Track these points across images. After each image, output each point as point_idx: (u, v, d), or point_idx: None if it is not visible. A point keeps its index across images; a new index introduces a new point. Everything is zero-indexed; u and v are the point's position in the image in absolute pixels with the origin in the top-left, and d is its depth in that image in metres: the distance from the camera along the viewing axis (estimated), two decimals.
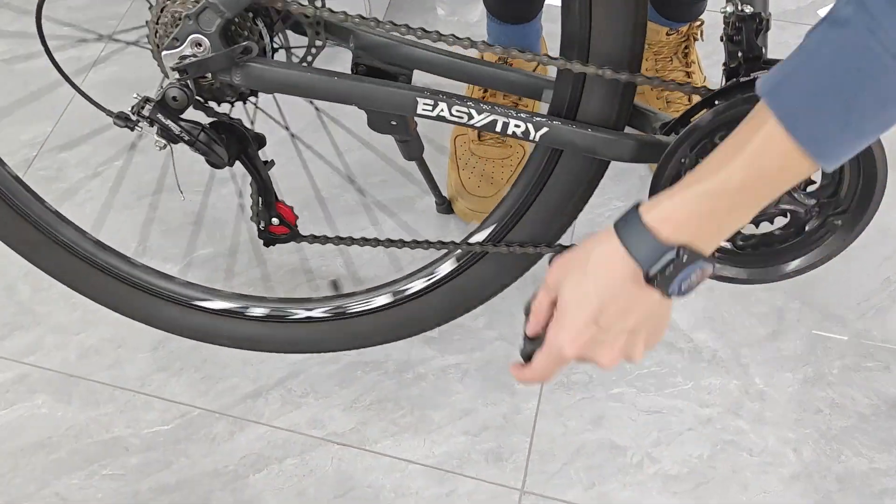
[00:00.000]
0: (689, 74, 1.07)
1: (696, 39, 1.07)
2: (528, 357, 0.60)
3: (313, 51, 0.71)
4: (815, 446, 0.93)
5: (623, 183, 1.13)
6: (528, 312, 0.59)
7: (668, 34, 1.05)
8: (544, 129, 0.66)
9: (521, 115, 0.65)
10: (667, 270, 0.49)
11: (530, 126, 0.66)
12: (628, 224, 0.51)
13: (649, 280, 0.50)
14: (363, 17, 0.64)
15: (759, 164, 0.46)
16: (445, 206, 1.10)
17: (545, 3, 1.06)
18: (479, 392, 0.99)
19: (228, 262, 1.09)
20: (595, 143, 0.66)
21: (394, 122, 0.76)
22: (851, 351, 0.99)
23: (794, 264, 0.67)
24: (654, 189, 0.64)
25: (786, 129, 0.44)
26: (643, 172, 1.14)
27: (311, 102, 1.18)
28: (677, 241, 0.49)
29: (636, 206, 0.51)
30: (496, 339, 1.02)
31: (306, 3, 0.64)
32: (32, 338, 1.04)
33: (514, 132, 0.66)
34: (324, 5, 0.64)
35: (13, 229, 0.85)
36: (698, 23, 1.07)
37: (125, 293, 0.88)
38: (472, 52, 0.68)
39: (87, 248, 0.86)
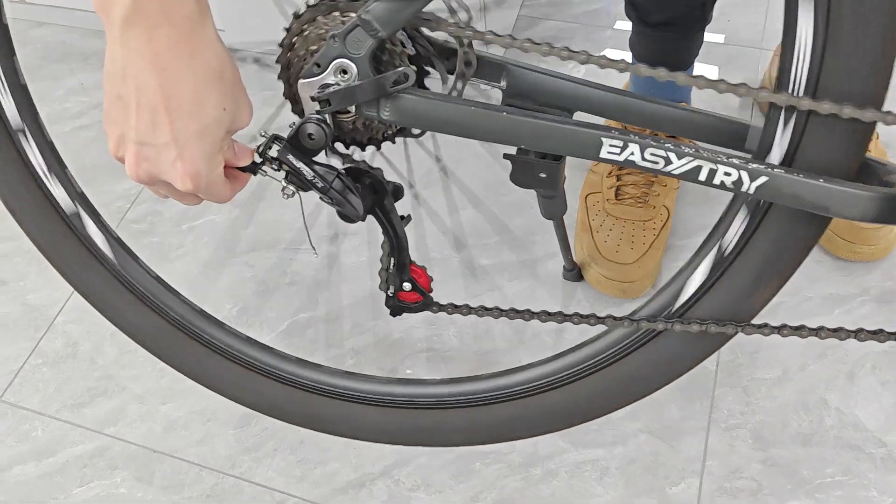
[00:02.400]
0: None
1: None
2: None
3: (459, 86, 0.60)
4: None
5: None
6: None
7: None
8: (762, 179, 0.52)
9: (734, 160, 0.52)
10: None
11: (745, 175, 0.52)
12: None
13: None
14: (534, 43, 0.53)
15: None
16: (575, 272, 0.97)
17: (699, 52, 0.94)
18: (623, 495, 0.83)
19: (328, 328, 0.98)
20: (829, 197, 0.52)
21: (543, 175, 0.64)
22: None
23: None
24: None
25: None
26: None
27: (437, 159, 1.09)
28: None
29: None
30: (641, 433, 0.87)
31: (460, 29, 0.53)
32: (115, 405, 0.94)
33: (721, 182, 0.53)
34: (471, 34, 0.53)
35: (105, 290, 0.75)
36: None
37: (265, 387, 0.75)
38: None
39: (193, 320, 0.74)
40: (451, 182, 1.08)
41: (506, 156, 0.63)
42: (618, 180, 0.96)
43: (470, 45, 0.57)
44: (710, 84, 0.52)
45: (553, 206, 0.75)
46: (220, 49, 0.46)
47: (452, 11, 0.55)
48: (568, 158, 0.61)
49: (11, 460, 0.90)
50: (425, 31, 0.56)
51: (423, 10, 0.55)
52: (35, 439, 0.92)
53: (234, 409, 0.91)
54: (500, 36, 0.53)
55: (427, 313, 0.97)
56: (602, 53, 0.53)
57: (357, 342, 0.96)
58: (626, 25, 0.99)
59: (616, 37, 1.25)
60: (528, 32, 1.24)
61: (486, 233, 1.04)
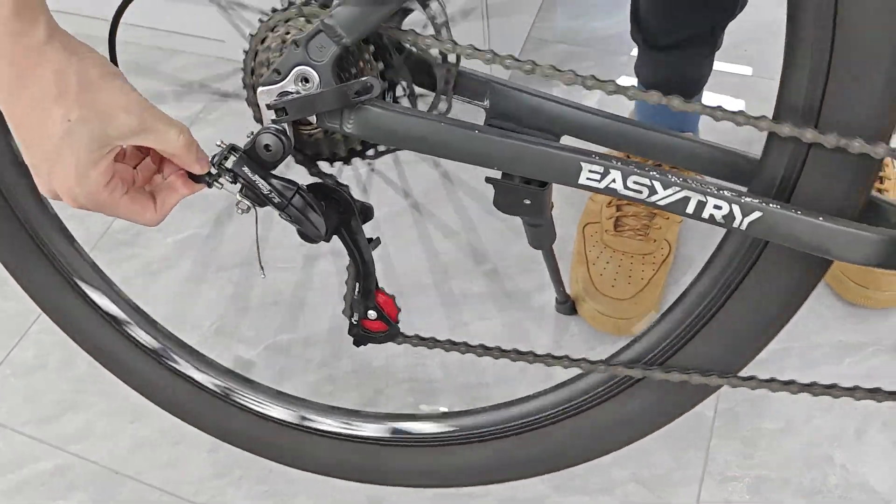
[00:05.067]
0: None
1: None
2: None
3: (440, 105, 0.56)
4: None
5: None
6: None
7: None
8: (756, 215, 0.47)
9: (726, 193, 0.47)
10: None
11: (737, 209, 0.47)
12: None
13: None
14: (516, 59, 0.49)
15: None
16: (568, 305, 0.92)
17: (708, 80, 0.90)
18: None
19: (306, 352, 0.93)
20: (829, 238, 0.47)
21: (528, 201, 0.59)
22: None
23: None
24: None
25: None
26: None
27: (437, 165, 1.06)
28: None
29: None
30: (629, 481, 0.81)
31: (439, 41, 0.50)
32: (82, 422, 0.91)
33: (711, 216, 0.48)
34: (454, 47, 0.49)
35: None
36: None
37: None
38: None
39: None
40: (443, 207, 1.04)
41: (488, 179, 0.59)
42: (618, 210, 0.91)
43: (457, 60, 0.53)
44: (728, 116, 0.48)
45: (540, 235, 0.71)
46: (59, 62, 0.44)
47: (435, 24, 0.51)
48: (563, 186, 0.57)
49: None
50: (405, 44, 0.52)
51: (403, 22, 0.52)
52: None
53: (201, 433, 0.87)
54: (480, 51, 0.50)
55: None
56: (590, 74, 0.49)
57: (336, 369, 0.92)
58: None
59: (631, 63, 1.21)
60: (536, 54, 1.20)
61: (479, 260, 0.99)
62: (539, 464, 0.66)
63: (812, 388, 0.54)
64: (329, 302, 0.97)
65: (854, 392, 0.54)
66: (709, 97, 1.01)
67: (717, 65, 0.94)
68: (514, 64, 0.49)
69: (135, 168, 0.52)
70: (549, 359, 0.60)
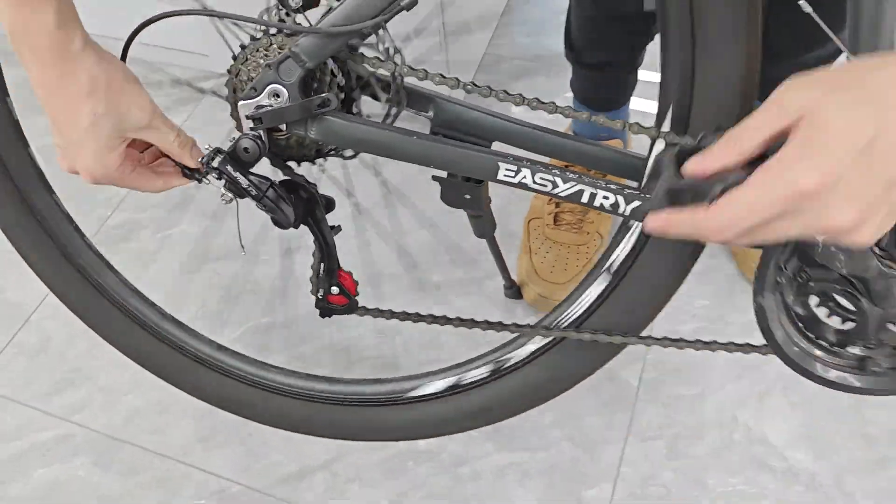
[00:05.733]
0: None
1: None
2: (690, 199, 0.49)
3: (389, 119, 0.68)
4: None
5: (709, 280, 1.05)
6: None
7: None
8: (636, 203, 0.60)
9: (611, 186, 0.60)
10: None
11: (620, 199, 0.60)
12: None
13: None
14: (444, 77, 0.61)
15: None
16: (514, 290, 1.04)
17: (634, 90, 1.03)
18: (541, 497, 0.89)
19: (283, 333, 1.05)
20: None
21: (468, 196, 0.72)
22: None
23: None
24: (759, 287, 0.57)
25: None
26: (729, 271, 1.06)
27: (378, 175, 1.17)
28: None
29: None
30: (563, 440, 0.93)
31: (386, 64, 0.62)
32: (83, 395, 1.01)
33: (601, 204, 0.61)
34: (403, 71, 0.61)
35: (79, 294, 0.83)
36: None
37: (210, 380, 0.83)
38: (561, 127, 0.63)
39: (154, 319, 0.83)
40: (412, 203, 1.16)
41: (434, 178, 0.71)
42: (556, 207, 1.04)
43: (401, 79, 0.65)
44: (610, 123, 0.60)
45: (481, 225, 0.82)
46: (92, 67, 0.56)
47: (387, 49, 0.63)
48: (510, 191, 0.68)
49: None
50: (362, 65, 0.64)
51: (361, 48, 0.64)
52: (4, 423, 0.99)
53: (189, 402, 0.98)
54: (415, 69, 0.62)
55: (379, 325, 1.04)
56: (542, 88, 0.61)
57: (309, 347, 1.03)
58: None
59: None
60: (492, 68, 1.33)
61: (438, 252, 1.11)
62: (488, 413, 0.77)
63: (695, 344, 0.67)
64: (303, 291, 1.08)
65: (728, 346, 0.66)
66: (637, 102, 1.12)
67: (648, 75, 1.07)
68: (455, 83, 0.61)
69: (142, 152, 0.63)
70: (484, 324, 0.72)
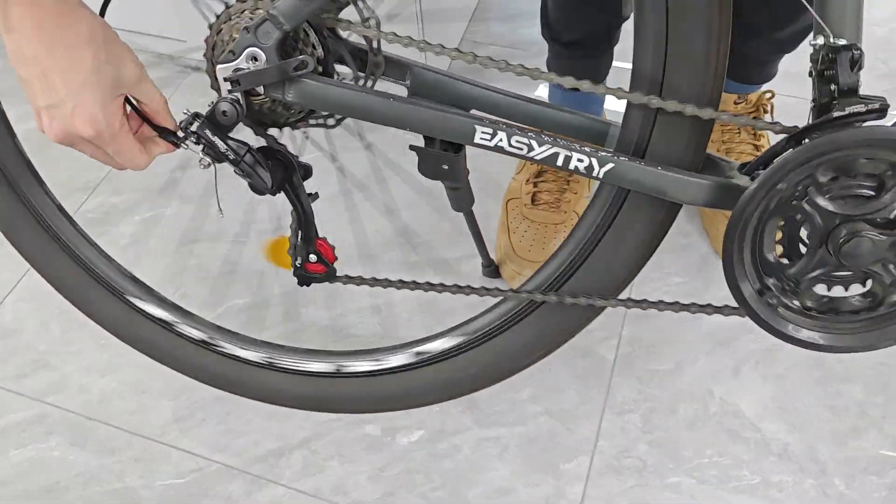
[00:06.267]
0: (757, 148, 1.03)
1: (765, 112, 1.03)
2: None
3: (368, 84, 0.68)
4: None
5: (683, 258, 1.06)
6: None
7: (735, 103, 1.01)
8: (610, 166, 0.61)
9: (586, 149, 0.61)
10: None
11: (595, 161, 0.61)
12: None
13: None
14: (429, 44, 0.62)
15: None
16: (492, 268, 1.05)
17: (611, 67, 1.04)
18: (520, 471, 0.90)
19: (261, 314, 1.05)
20: (665, 183, 0.61)
21: (445, 167, 0.72)
22: None
23: None
24: (727, 249, 0.58)
25: None
26: (705, 250, 1.07)
27: (368, 149, 1.18)
28: None
29: None
30: (541, 415, 0.94)
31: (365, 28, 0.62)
32: (57, 377, 1.00)
33: (576, 167, 0.62)
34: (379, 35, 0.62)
35: (56, 263, 0.82)
36: (769, 95, 1.03)
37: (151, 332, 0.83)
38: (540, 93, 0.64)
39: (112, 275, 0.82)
40: (389, 185, 1.16)
41: (412, 147, 0.72)
42: (534, 187, 1.05)
43: (378, 46, 0.65)
44: (578, 83, 0.61)
45: (459, 198, 0.83)
46: (90, 18, 0.56)
47: (364, 16, 0.64)
48: (494, 169, 0.69)
49: None
50: (339, 31, 0.64)
51: (339, 14, 0.64)
52: None
53: (167, 383, 0.98)
54: (400, 37, 0.62)
55: (359, 303, 1.04)
56: (486, 55, 0.62)
57: (286, 327, 1.03)
58: None
59: None
60: None
61: (419, 231, 1.12)
62: (472, 381, 0.78)
63: (658, 305, 0.68)
64: (278, 270, 1.08)
65: (690, 307, 0.68)
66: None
67: (620, 63, 1.08)
68: (427, 47, 0.62)
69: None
70: (467, 289, 0.72)
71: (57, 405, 0.98)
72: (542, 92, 1.25)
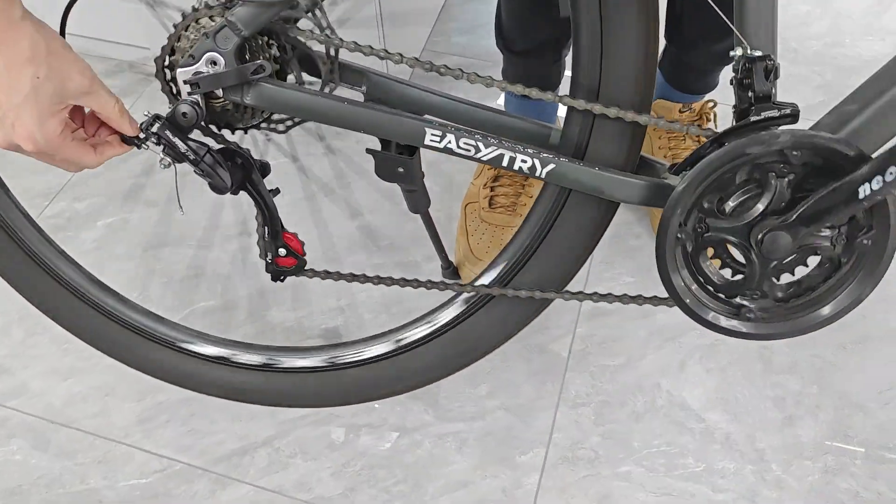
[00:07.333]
0: None
1: (708, 120, 1.09)
2: None
3: (327, 90, 0.72)
4: None
5: (635, 258, 1.11)
6: None
7: (680, 111, 1.06)
8: (551, 166, 0.65)
9: (529, 150, 0.65)
10: None
11: (537, 162, 0.65)
12: None
13: None
14: (388, 53, 0.65)
15: None
16: (451, 270, 1.08)
17: (563, 76, 1.09)
18: (478, 463, 0.93)
19: (227, 315, 1.07)
20: (602, 182, 0.65)
21: (401, 170, 0.75)
22: (875, 441, 0.93)
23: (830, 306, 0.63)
24: (661, 241, 0.63)
25: None
26: (652, 250, 1.12)
27: (330, 152, 1.20)
28: None
29: None
30: (498, 409, 0.97)
31: (321, 37, 0.65)
32: (18, 382, 1.01)
33: (520, 167, 0.65)
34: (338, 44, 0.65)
35: (18, 267, 0.83)
36: (711, 104, 1.09)
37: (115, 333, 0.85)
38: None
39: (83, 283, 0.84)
40: (352, 191, 1.19)
41: (368, 150, 0.75)
42: (491, 191, 1.09)
43: (336, 54, 0.69)
44: (526, 90, 0.65)
45: (415, 200, 0.86)
46: (32, 34, 0.57)
47: (321, 25, 0.67)
48: (462, 178, 0.72)
49: None
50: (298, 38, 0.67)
51: (297, 23, 0.67)
52: None
53: (132, 386, 0.99)
54: (361, 46, 0.66)
55: (319, 303, 1.07)
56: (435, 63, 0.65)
57: (249, 329, 1.05)
58: None
59: None
60: None
61: (379, 236, 1.15)
62: (429, 372, 0.81)
63: (592, 297, 0.72)
64: (244, 274, 1.11)
65: (622, 298, 0.72)
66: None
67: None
68: (386, 55, 0.65)
69: (80, 127, 0.65)
70: (428, 284, 0.76)
71: (18, 409, 0.98)
72: (503, 100, 1.29)
